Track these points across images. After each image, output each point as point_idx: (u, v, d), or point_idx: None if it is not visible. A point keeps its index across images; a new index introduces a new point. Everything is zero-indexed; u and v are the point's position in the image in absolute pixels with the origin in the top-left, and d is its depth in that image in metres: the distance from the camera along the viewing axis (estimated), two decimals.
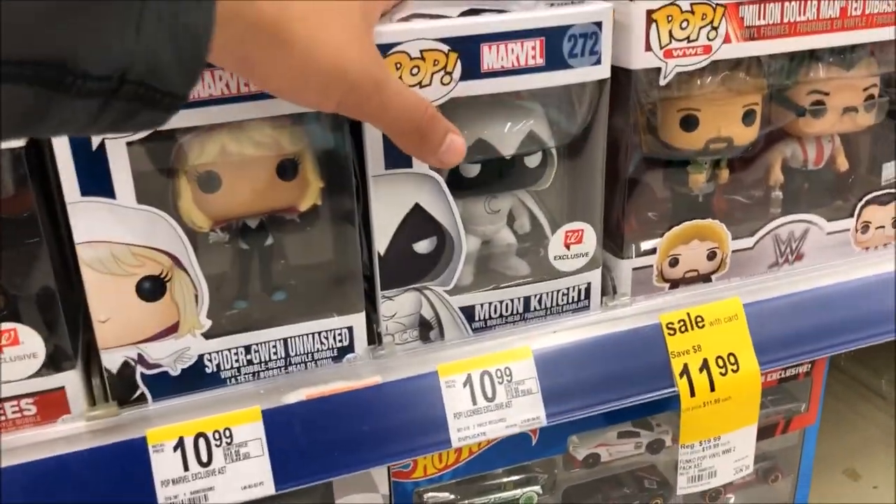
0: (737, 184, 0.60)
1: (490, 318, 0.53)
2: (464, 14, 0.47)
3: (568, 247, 0.53)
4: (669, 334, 0.54)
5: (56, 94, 0.28)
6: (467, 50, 0.45)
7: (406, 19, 0.46)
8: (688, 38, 0.50)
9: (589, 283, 0.54)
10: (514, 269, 0.55)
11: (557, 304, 0.54)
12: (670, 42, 0.50)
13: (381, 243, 0.49)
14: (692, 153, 0.56)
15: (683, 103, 0.54)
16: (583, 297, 0.55)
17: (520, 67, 0.47)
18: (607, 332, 0.53)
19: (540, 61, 0.47)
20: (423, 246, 0.50)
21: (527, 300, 0.53)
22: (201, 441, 0.46)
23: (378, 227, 0.49)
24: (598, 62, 0.48)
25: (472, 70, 0.46)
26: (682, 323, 0.54)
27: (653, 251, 0.56)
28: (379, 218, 0.49)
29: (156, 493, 0.45)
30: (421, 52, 0.45)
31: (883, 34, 0.55)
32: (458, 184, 0.50)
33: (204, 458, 0.46)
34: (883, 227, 0.61)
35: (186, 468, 0.45)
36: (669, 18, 0.49)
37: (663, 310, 0.54)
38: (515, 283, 0.53)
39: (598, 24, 0.47)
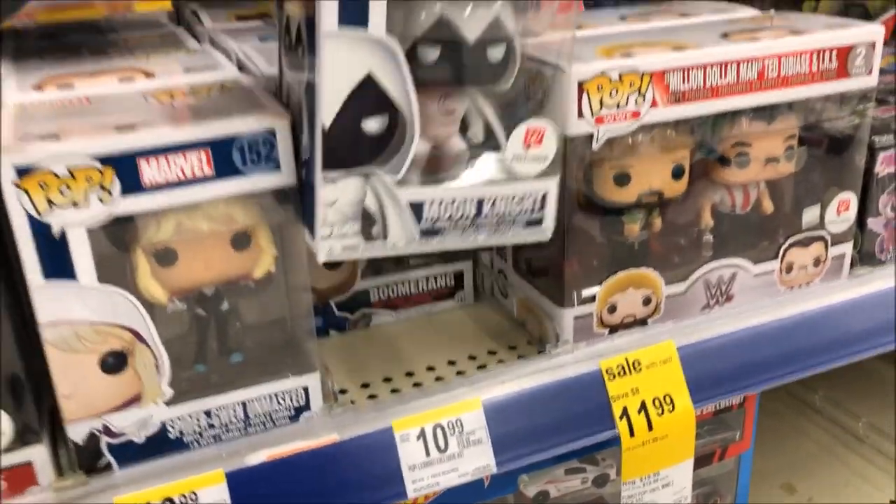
0: (670, 228, 0.63)
1: (439, 219, 0.48)
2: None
3: (528, 147, 0.49)
4: (609, 379, 0.57)
5: None
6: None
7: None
8: (617, 104, 0.53)
9: (545, 195, 0.50)
10: (462, 180, 0.49)
11: (510, 214, 0.49)
12: (601, 109, 0.53)
13: (327, 115, 0.43)
14: (626, 206, 0.59)
15: (616, 162, 0.57)
16: (538, 207, 0.50)
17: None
18: (552, 380, 0.56)
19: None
20: (372, 124, 0.45)
21: (479, 204, 0.48)
22: None
23: (326, 94, 0.43)
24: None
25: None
26: (620, 368, 0.57)
27: (592, 299, 0.59)
28: (328, 83, 0.43)
29: None
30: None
31: (798, 93, 0.59)
32: (413, 72, 0.44)
33: None
34: (805, 267, 0.65)
35: None
36: (599, 88, 0.53)
37: (603, 355, 0.58)
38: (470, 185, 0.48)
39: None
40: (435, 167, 0.48)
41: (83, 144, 0.43)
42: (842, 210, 0.64)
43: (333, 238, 0.46)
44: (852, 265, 0.67)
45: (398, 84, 0.44)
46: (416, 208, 0.47)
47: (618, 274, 0.59)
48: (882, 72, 0.83)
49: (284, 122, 0.47)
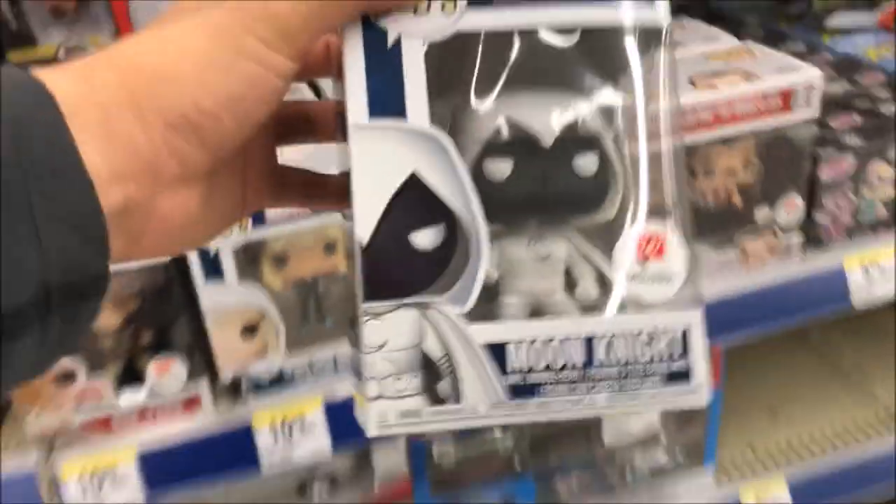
0: None
1: (532, 369, 0.34)
2: None
3: (644, 260, 0.35)
4: None
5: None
6: None
7: None
8: None
9: (686, 332, 0.34)
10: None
11: (638, 362, 0.34)
12: None
13: (364, 227, 0.33)
14: None
15: None
16: (677, 352, 0.34)
17: None
18: None
19: None
20: (424, 237, 0.34)
21: (589, 345, 0.34)
22: (286, 424, 0.73)
23: (360, 200, 0.33)
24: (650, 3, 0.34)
25: None
26: None
27: None
28: (361, 188, 0.33)
29: (259, 459, 0.72)
30: None
31: (749, 127, 0.76)
32: (485, 197, 0.34)
33: (287, 434, 0.73)
34: (759, 252, 0.84)
35: (276, 441, 0.73)
36: None
37: None
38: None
39: None
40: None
41: None
42: (789, 209, 0.82)
43: (384, 399, 0.33)
44: (803, 249, 0.85)
45: (452, 183, 0.33)
46: (497, 353, 0.34)
47: None
48: (875, 67, 0.98)
49: None
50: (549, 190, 0.35)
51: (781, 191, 0.82)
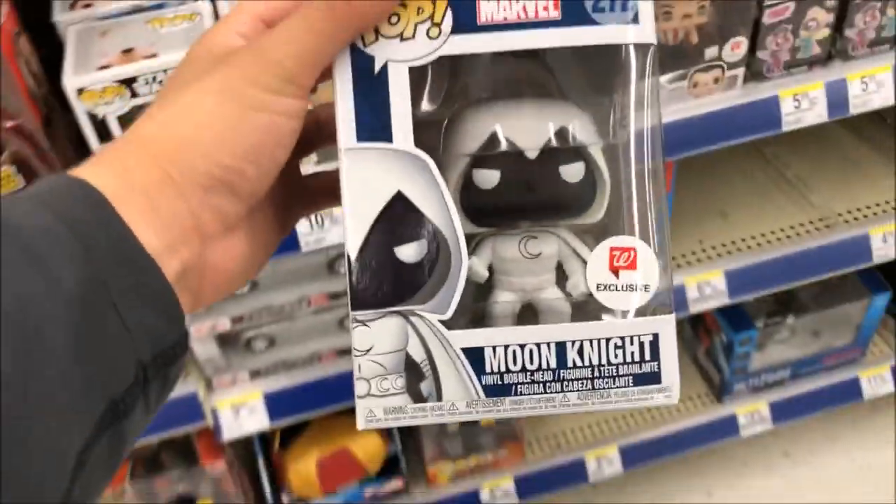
0: None
1: (508, 370, 0.37)
2: None
3: (616, 272, 0.37)
4: None
5: (118, 427, 0.30)
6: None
7: None
8: None
9: (656, 338, 0.37)
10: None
11: (608, 365, 0.37)
12: None
13: (352, 242, 0.36)
14: None
15: None
16: (647, 356, 0.37)
17: (528, 21, 0.36)
18: None
19: (554, 14, 0.36)
20: (408, 251, 0.37)
21: (561, 349, 0.36)
22: (319, 216, 0.94)
23: (350, 218, 0.36)
24: (636, 20, 0.36)
25: (467, 20, 0.36)
26: None
27: None
28: (350, 206, 0.36)
29: (299, 242, 0.94)
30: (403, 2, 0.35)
31: None
32: (474, 204, 0.37)
33: (320, 223, 0.94)
34: (707, 83, 1.00)
35: (311, 230, 0.94)
36: None
37: None
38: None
39: None
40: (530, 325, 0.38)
41: None
42: (734, 48, 0.98)
43: (372, 397, 0.37)
44: (746, 81, 1.02)
45: (435, 200, 0.36)
46: (475, 356, 0.37)
47: None
48: None
49: None
50: (536, 197, 0.37)
51: (730, 32, 0.97)
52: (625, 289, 0.36)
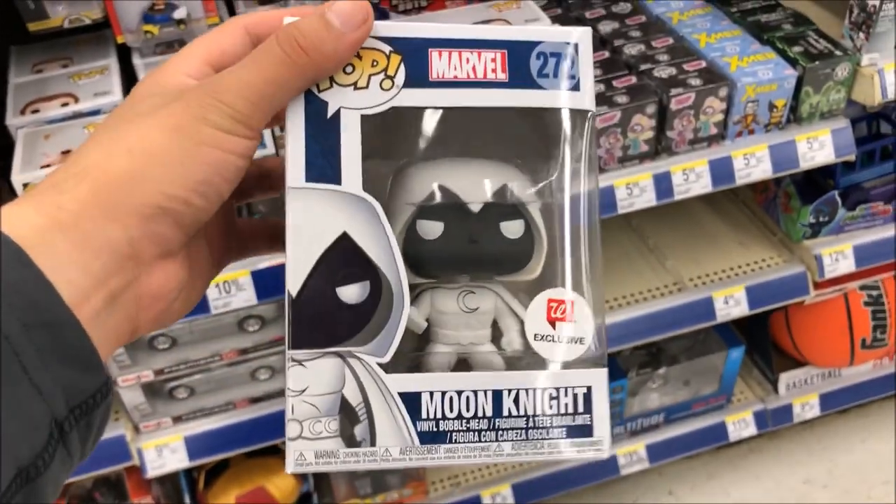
0: None
1: (443, 417, 0.37)
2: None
3: (552, 324, 0.38)
4: None
5: (35, 485, 0.29)
6: (414, 53, 0.37)
7: None
8: None
9: (588, 391, 0.38)
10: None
11: (542, 416, 0.37)
12: None
13: (294, 281, 0.36)
14: None
15: None
16: (580, 409, 0.38)
17: (477, 81, 0.37)
18: None
19: (502, 76, 0.37)
20: (350, 292, 0.36)
21: (497, 397, 0.37)
22: (227, 284, 1.12)
23: (293, 256, 0.36)
24: (577, 87, 0.38)
25: (419, 75, 0.37)
26: None
27: None
28: (294, 245, 0.36)
29: (209, 305, 1.12)
30: (359, 55, 0.37)
31: None
32: (417, 254, 0.38)
33: (227, 290, 1.12)
34: None
35: (220, 294, 1.12)
36: None
37: None
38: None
39: (575, 46, 0.39)
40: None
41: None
42: None
43: (303, 439, 0.36)
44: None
45: (380, 244, 0.36)
46: (411, 402, 0.36)
47: None
48: (668, 32, 1.32)
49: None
50: (477, 251, 0.38)
51: None
52: (560, 340, 0.38)
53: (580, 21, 1.38)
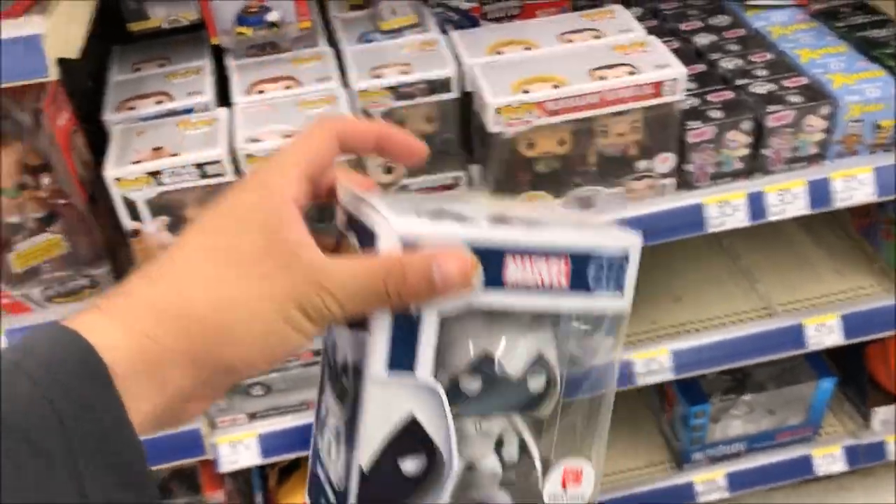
0: (567, 166, 1.16)
1: None
2: (493, 218, 0.44)
3: (565, 488, 0.47)
4: None
5: None
6: (492, 259, 0.42)
7: (436, 214, 0.43)
8: (518, 117, 1.07)
9: None
10: (494, 501, 0.48)
11: None
12: (509, 118, 1.07)
13: (365, 457, 0.42)
14: (534, 158, 1.13)
15: (524, 137, 1.11)
16: None
17: (543, 286, 0.43)
18: None
19: (563, 283, 0.43)
20: (410, 465, 0.43)
21: None
22: None
23: (366, 435, 0.42)
24: (620, 292, 0.45)
25: (494, 279, 0.42)
26: None
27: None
28: (370, 426, 0.42)
29: None
30: None
31: (628, 106, 1.09)
32: (453, 399, 0.43)
33: None
34: (641, 191, 1.18)
35: None
36: (508, 109, 1.06)
37: None
38: None
39: (626, 257, 0.45)
40: (467, 485, 0.46)
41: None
42: (663, 161, 1.15)
43: None
44: (678, 188, 1.19)
45: (440, 425, 0.42)
46: None
47: (527, 192, 1.15)
48: (768, 47, 1.27)
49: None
50: (506, 402, 0.45)
51: (658, 149, 1.15)
52: (571, 499, 0.47)
53: (675, 33, 1.34)
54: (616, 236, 0.45)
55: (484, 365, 0.44)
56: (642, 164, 1.16)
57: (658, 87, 1.08)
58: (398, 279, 0.38)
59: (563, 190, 1.17)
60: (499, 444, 0.46)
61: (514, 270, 0.42)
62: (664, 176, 1.17)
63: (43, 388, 0.33)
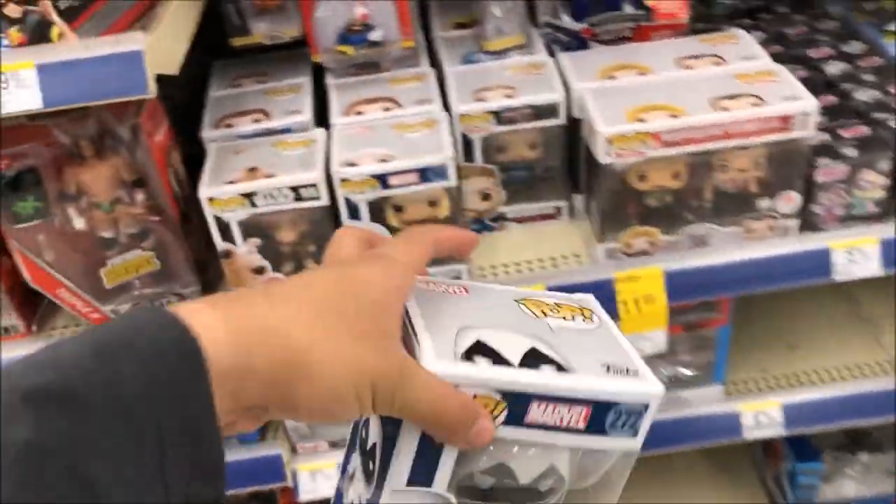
0: (678, 201, 1.08)
1: None
2: (527, 356, 0.47)
3: None
4: (617, 282, 1.07)
5: None
6: (518, 402, 0.45)
7: (468, 355, 0.45)
8: (631, 148, 0.99)
9: None
10: None
11: None
12: (621, 149, 1.00)
13: None
14: (645, 191, 1.06)
15: (637, 169, 1.03)
16: None
17: (560, 427, 0.46)
18: (587, 280, 1.07)
19: (581, 425, 0.46)
20: None
21: None
22: None
23: None
24: (635, 435, 0.48)
25: (516, 419, 0.45)
26: (626, 277, 1.07)
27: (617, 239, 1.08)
28: None
29: None
30: (474, 395, 0.44)
31: (751, 141, 1.00)
32: (465, 492, 0.47)
33: None
34: (761, 231, 1.08)
35: None
36: (621, 139, 0.99)
37: (618, 269, 1.07)
38: None
39: (646, 406, 0.47)
40: None
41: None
42: (787, 200, 1.06)
43: None
44: (801, 230, 1.09)
45: None
46: None
47: (635, 227, 1.07)
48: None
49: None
50: (513, 496, 0.48)
51: (782, 187, 1.05)
52: None
53: (802, 61, 1.24)
54: (641, 383, 0.47)
55: (498, 472, 0.47)
56: (764, 203, 1.07)
57: (786, 120, 0.99)
58: (462, 424, 0.43)
59: (674, 226, 1.08)
60: None
61: (536, 413, 0.45)
62: (787, 216, 1.08)
63: (148, 371, 0.35)
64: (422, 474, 0.46)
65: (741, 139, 1.00)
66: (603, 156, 1.00)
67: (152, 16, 0.91)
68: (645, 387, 0.47)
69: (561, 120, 1.10)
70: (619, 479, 0.50)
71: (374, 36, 1.11)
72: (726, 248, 1.09)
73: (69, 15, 0.86)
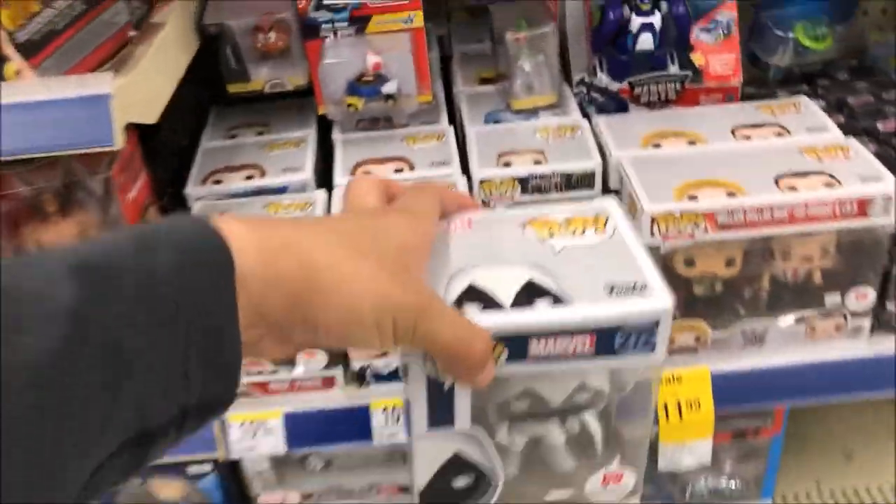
0: (729, 292, 0.93)
1: None
2: (522, 292, 0.47)
3: (605, 486, 0.54)
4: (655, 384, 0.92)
5: (143, 449, 0.36)
6: (516, 342, 0.46)
7: (459, 302, 0.46)
8: (679, 230, 0.85)
9: None
10: (560, 465, 0.53)
11: None
12: (667, 231, 0.85)
13: (420, 483, 0.51)
14: (692, 278, 0.91)
15: (685, 253, 0.89)
16: None
17: (566, 355, 0.46)
18: None
19: (589, 350, 0.46)
20: (460, 482, 0.51)
21: None
22: (396, 410, 0.93)
23: (419, 474, 0.50)
24: (652, 350, 0.47)
25: (518, 356, 0.46)
26: (666, 378, 0.92)
27: None
28: (421, 470, 0.50)
29: (372, 433, 0.93)
30: None
31: (821, 227, 0.85)
32: (503, 415, 0.50)
33: (396, 419, 0.94)
34: (827, 330, 0.93)
35: (387, 424, 0.93)
36: (666, 219, 0.84)
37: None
38: None
39: (656, 322, 0.46)
40: (534, 455, 0.52)
41: None
42: (860, 297, 0.91)
43: None
44: (873, 332, 0.94)
45: (483, 454, 0.50)
46: None
47: (678, 320, 0.92)
48: None
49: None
50: (553, 412, 0.51)
51: (854, 281, 0.90)
52: (611, 492, 0.54)
53: (870, 133, 1.10)
54: (646, 300, 0.46)
55: (529, 395, 0.49)
56: (831, 298, 0.91)
57: (864, 205, 0.84)
58: (481, 363, 0.44)
59: (725, 320, 0.93)
60: (563, 418, 0.51)
61: (537, 348, 0.46)
62: (858, 315, 0.92)
63: (180, 263, 0.36)
64: (441, 417, 0.47)
65: (810, 224, 0.85)
66: (646, 237, 0.86)
67: (128, 55, 0.78)
68: (649, 304, 0.46)
69: (596, 192, 0.96)
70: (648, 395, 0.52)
71: (388, 88, 0.98)
72: (784, 348, 0.94)
73: (28, 50, 0.73)
